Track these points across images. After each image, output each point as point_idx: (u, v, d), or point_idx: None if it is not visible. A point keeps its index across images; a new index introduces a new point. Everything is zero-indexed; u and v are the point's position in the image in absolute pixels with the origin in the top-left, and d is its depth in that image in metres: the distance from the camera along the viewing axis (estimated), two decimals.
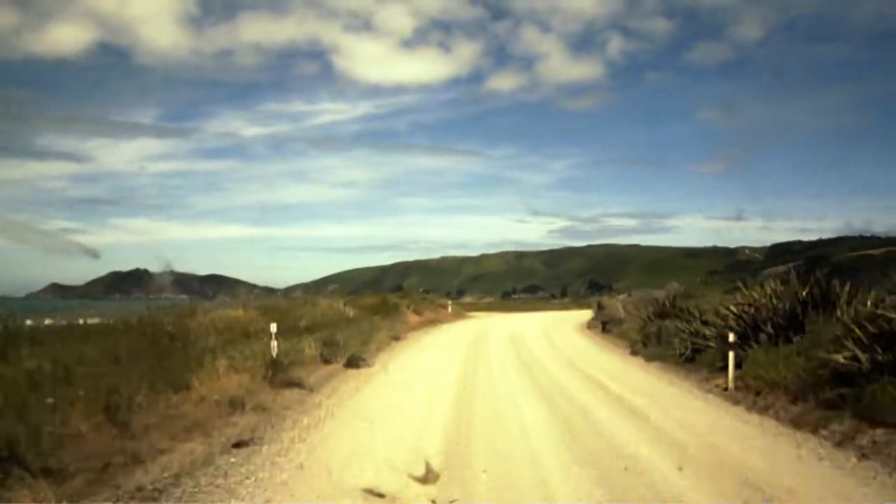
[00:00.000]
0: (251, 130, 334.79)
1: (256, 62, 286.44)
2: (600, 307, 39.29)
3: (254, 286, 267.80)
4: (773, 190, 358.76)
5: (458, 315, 44.36)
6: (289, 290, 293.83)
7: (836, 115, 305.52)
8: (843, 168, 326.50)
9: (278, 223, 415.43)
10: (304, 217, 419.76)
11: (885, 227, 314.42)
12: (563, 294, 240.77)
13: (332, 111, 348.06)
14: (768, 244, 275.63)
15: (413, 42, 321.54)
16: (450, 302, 49.45)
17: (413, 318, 33.77)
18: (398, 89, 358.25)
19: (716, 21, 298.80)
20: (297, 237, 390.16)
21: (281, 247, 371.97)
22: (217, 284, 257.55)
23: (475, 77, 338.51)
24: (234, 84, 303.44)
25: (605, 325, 35.32)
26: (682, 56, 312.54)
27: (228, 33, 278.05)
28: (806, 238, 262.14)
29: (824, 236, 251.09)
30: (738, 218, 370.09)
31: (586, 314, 45.46)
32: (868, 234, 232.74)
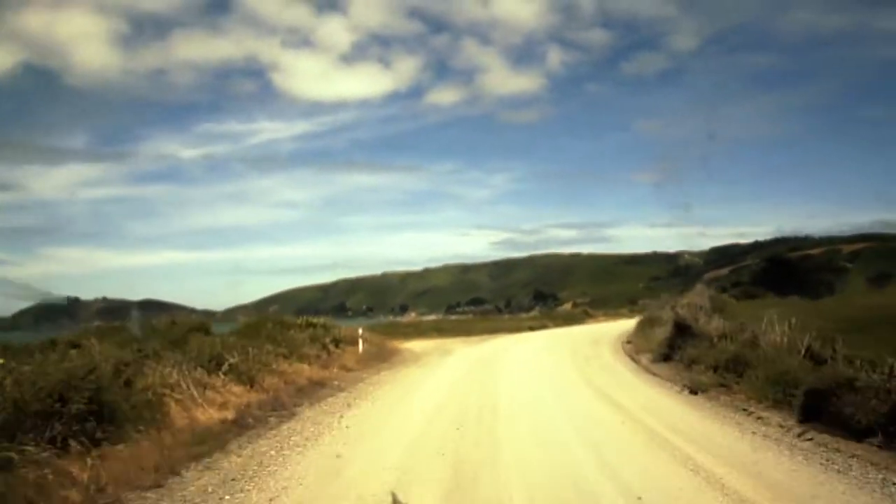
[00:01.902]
0: (187, 152, 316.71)
1: (192, 82, 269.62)
2: (649, 325, 27.63)
3: (192, 310, 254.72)
4: (710, 196, 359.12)
5: (377, 362, 20.80)
6: (229, 313, 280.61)
7: (767, 122, 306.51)
8: (774, 174, 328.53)
9: (217, 246, 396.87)
10: (244, 239, 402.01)
11: (814, 230, 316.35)
12: (508, 305, 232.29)
13: (270, 130, 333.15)
14: (707, 249, 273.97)
15: (352, 57, 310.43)
16: (361, 333, 23.24)
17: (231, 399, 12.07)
18: (338, 105, 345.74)
19: (653, 32, 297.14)
20: (237, 259, 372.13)
21: (221, 270, 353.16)
22: (152, 310, 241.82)
23: (415, 92, 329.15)
24: (169, 105, 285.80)
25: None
26: (620, 67, 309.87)
27: (162, 52, 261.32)
28: (743, 241, 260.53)
29: (760, 239, 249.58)
30: (677, 224, 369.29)
31: (601, 334, 34.02)
32: (803, 236, 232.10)
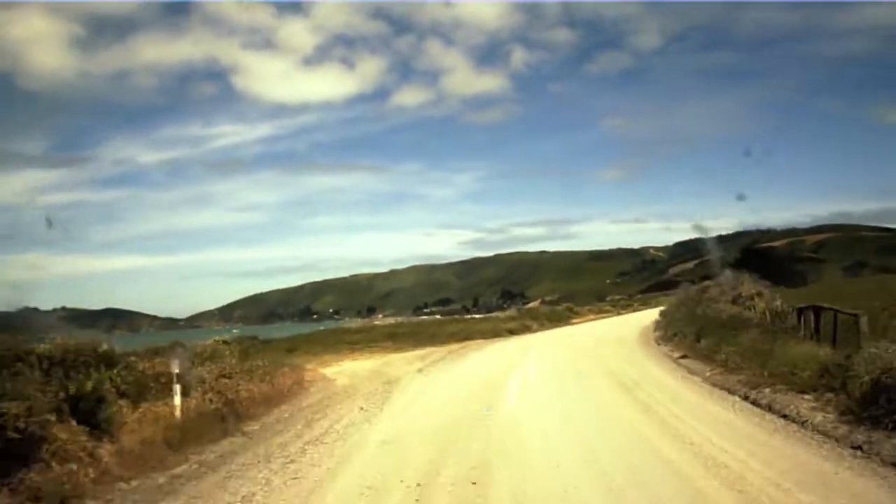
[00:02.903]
0: (148, 156, 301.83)
1: (151, 85, 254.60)
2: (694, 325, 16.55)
3: (154, 317, 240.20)
4: (673, 192, 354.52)
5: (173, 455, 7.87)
6: (193, 319, 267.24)
7: (728, 118, 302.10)
8: (735, 168, 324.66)
9: (181, 251, 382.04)
10: (208, 243, 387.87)
11: (775, 223, 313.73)
12: (475, 305, 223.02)
13: (232, 133, 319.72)
14: (671, 243, 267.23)
15: (315, 59, 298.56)
16: (176, 373, 8.71)
17: None
18: (301, 108, 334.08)
19: (617, 31, 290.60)
20: (202, 264, 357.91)
21: (184, 275, 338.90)
22: (114, 318, 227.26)
23: (380, 93, 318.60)
24: (129, 108, 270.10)
25: None
26: (584, 66, 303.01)
27: (120, 55, 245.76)
28: (706, 235, 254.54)
29: (723, 232, 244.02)
30: (641, 220, 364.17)
31: (617, 338, 24.55)
32: (765, 228, 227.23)
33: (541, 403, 10.59)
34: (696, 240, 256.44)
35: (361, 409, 10.31)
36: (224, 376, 11.07)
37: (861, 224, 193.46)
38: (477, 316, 51.96)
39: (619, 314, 56.14)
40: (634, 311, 64.44)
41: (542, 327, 37.00)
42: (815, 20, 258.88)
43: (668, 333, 21.31)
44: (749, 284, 23.74)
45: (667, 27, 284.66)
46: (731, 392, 10.64)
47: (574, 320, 44.61)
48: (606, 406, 10.21)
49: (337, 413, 10.01)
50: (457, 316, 51.37)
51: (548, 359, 17.80)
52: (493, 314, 52.58)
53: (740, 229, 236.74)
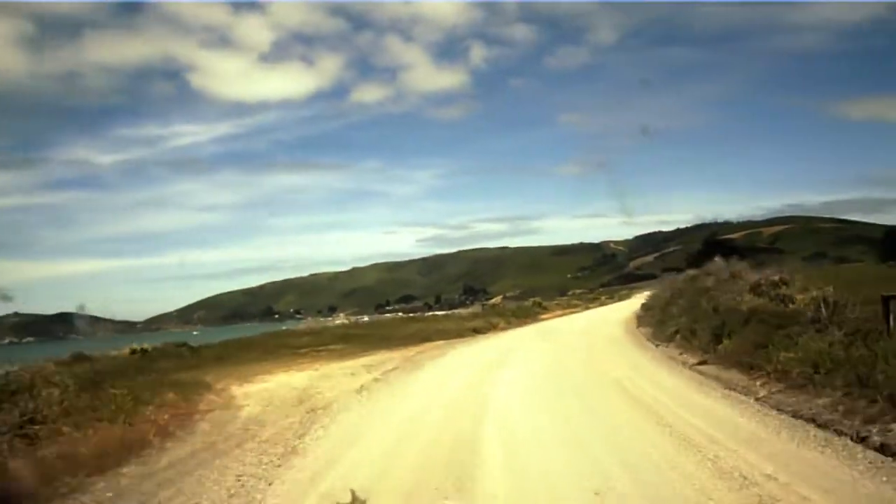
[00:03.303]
0: (103, 158, 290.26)
1: (106, 84, 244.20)
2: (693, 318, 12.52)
3: (111, 321, 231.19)
4: (632, 186, 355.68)
5: None
6: (151, 322, 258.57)
7: (684, 113, 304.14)
8: (692, 162, 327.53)
9: (139, 253, 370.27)
10: (166, 245, 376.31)
11: (731, 215, 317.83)
12: (438, 302, 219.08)
13: (189, 133, 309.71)
14: (631, 237, 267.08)
15: (273, 56, 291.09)
16: None
17: None
18: (260, 106, 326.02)
19: (574, 26, 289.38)
20: (160, 266, 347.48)
21: (142, 277, 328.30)
22: (69, 323, 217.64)
23: (339, 90, 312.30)
24: (83, 109, 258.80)
25: None
26: (543, 62, 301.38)
27: (73, 54, 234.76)
28: (665, 228, 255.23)
29: (681, 226, 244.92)
30: (601, 214, 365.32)
31: (609, 339, 20.58)
32: (722, 221, 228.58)
33: (544, 464, 6.48)
34: (655, 233, 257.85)
35: (239, 479, 6.14)
36: (35, 421, 6.82)
37: (815, 216, 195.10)
38: (438, 314, 47.82)
39: (587, 308, 52.79)
40: (602, 304, 61.20)
41: (510, 325, 33.16)
42: (768, 16, 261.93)
43: (666, 331, 17.59)
44: (753, 272, 20.26)
45: (623, 22, 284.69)
46: (826, 427, 6.77)
47: (543, 316, 40.91)
48: (656, 464, 6.14)
49: (194, 489, 5.83)
50: (417, 314, 47.19)
51: (530, 370, 13.83)
52: (456, 311, 48.58)
53: (698, 222, 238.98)
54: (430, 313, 50.26)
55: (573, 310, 49.54)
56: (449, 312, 51.73)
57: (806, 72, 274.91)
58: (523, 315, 38.62)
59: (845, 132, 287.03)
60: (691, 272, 27.21)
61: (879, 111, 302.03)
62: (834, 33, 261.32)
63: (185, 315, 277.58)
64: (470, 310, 43.39)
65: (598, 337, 20.94)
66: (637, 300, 65.21)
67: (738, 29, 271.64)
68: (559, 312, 45.32)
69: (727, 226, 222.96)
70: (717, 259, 25.68)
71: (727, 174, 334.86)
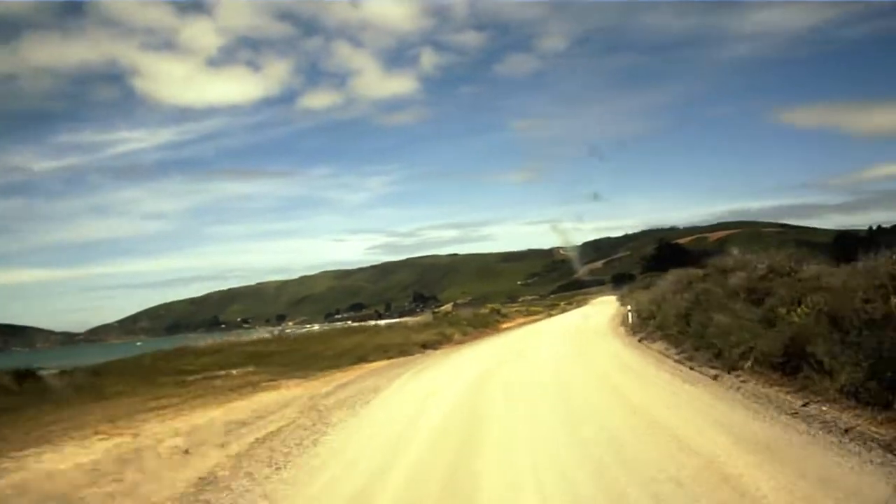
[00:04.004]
0: (42, 164, 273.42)
1: (45, 88, 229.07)
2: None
3: (51, 332, 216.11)
4: (581, 192, 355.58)
5: None
6: (93, 333, 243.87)
7: (630, 120, 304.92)
8: (638, 169, 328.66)
9: (81, 262, 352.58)
10: (109, 254, 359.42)
11: (677, 221, 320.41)
12: (388, 309, 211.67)
13: (133, 139, 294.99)
14: (580, 243, 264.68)
15: (220, 61, 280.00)
16: None
17: None
18: (206, 112, 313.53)
19: (524, 34, 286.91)
20: (103, 275, 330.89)
21: (84, 287, 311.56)
22: (6, 334, 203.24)
23: (288, 96, 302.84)
24: (20, 113, 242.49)
25: None
26: (493, 68, 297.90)
27: (10, 57, 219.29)
28: (614, 235, 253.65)
29: (629, 232, 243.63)
30: (551, 220, 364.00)
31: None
32: (668, 227, 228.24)
33: None
34: (604, 239, 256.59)
35: None
36: None
37: (759, 221, 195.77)
38: (382, 323, 40.76)
39: (549, 315, 46.72)
40: (563, 311, 55.39)
41: (467, 336, 26.68)
42: (712, 24, 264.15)
43: (709, 356, 11.29)
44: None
45: (571, 30, 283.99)
46: None
47: (504, 325, 34.55)
48: None
49: None
50: (355, 324, 40.20)
51: (524, 448, 7.28)
52: (404, 320, 41.77)
53: (646, 228, 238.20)
54: (374, 323, 43.31)
55: (535, 317, 43.36)
56: (398, 321, 44.94)
57: (746, 79, 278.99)
58: (481, 324, 32.19)
59: (787, 139, 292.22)
60: (702, 268, 21.12)
61: (820, 118, 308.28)
62: (771, 42, 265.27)
63: (128, 325, 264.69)
64: (419, 318, 36.80)
65: (607, 361, 14.34)
66: (598, 306, 59.85)
67: (683, 36, 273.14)
68: (521, 320, 39.05)
69: (674, 231, 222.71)
70: (735, 250, 19.71)
71: (674, 180, 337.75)
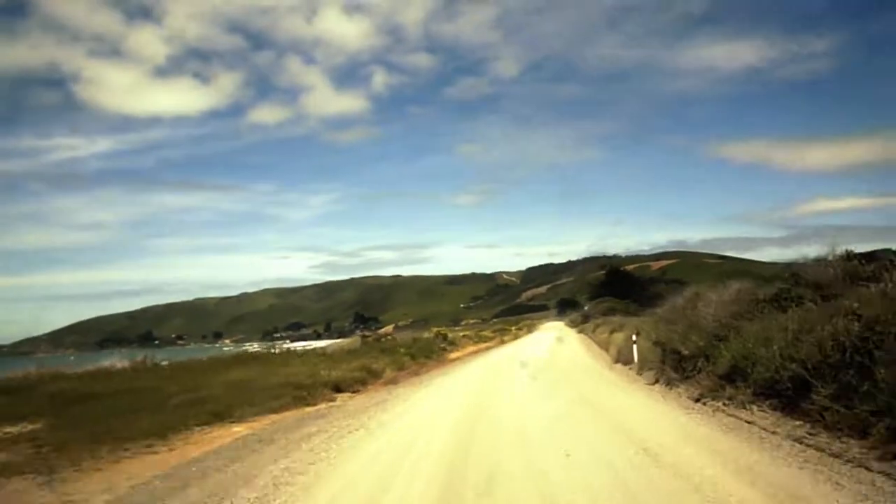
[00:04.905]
0: None
1: None
2: None
3: None
4: (524, 217, 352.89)
5: None
6: (18, 346, 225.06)
7: (576, 148, 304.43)
8: (583, 196, 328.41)
9: (9, 272, 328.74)
10: (41, 264, 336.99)
11: (619, 249, 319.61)
12: (328, 329, 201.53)
13: (72, 146, 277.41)
14: (524, 268, 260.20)
15: (167, 71, 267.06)
16: None
17: None
18: (150, 121, 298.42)
19: (476, 58, 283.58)
20: (31, 286, 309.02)
21: (12, 298, 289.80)
22: None
23: (236, 109, 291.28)
24: None
25: None
26: (444, 91, 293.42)
27: None
28: (557, 261, 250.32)
29: (573, 258, 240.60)
30: (494, 245, 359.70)
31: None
32: (611, 255, 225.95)
33: None
34: (547, 264, 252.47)
35: None
36: None
37: (698, 251, 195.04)
38: (298, 347, 31.84)
39: (502, 342, 39.46)
40: (515, 336, 48.24)
41: (402, 371, 19.08)
42: (654, 59, 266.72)
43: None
44: None
45: (522, 56, 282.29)
46: None
47: (452, 355, 27.01)
48: None
49: None
50: (262, 349, 31.80)
51: None
52: (334, 343, 33.56)
53: (588, 255, 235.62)
54: (290, 346, 35.01)
55: (487, 344, 36.06)
56: (328, 343, 36.73)
57: (687, 113, 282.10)
58: (422, 353, 24.55)
59: (725, 172, 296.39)
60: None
61: (755, 154, 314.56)
62: (712, 78, 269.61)
63: (58, 339, 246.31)
64: (344, 341, 28.97)
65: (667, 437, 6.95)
66: (552, 331, 53.14)
67: (631, 69, 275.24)
68: (471, 349, 31.50)
69: (617, 259, 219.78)
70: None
71: (617, 209, 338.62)
